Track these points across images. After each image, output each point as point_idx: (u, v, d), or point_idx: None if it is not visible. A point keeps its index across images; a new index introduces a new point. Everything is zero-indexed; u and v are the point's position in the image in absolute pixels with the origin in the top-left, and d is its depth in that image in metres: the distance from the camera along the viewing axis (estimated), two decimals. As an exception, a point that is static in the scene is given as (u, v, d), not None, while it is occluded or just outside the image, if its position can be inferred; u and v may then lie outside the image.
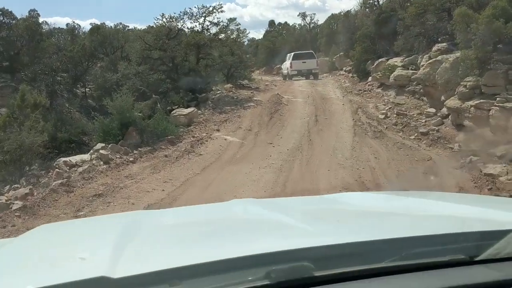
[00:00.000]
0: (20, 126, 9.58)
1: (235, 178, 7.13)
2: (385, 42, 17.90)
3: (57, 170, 7.87)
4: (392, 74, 14.44)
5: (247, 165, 8.01)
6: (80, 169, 8.04)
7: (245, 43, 27.08)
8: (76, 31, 25.43)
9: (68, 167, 8.23)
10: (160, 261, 0.97)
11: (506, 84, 9.17)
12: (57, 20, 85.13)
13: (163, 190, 7.07)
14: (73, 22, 27.26)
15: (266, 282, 0.90)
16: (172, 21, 15.44)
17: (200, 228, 1.47)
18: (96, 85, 18.63)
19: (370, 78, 17.20)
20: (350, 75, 21.06)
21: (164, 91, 15.19)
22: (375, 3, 20.40)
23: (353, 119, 11.65)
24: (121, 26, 26.38)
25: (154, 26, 16.02)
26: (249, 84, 18.76)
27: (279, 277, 0.91)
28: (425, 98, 13.22)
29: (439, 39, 14.07)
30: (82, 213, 6.11)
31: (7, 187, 7.85)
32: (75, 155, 11.40)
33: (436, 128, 10.70)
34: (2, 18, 19.58)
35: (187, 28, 16.27)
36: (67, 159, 8.65)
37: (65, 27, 26.05)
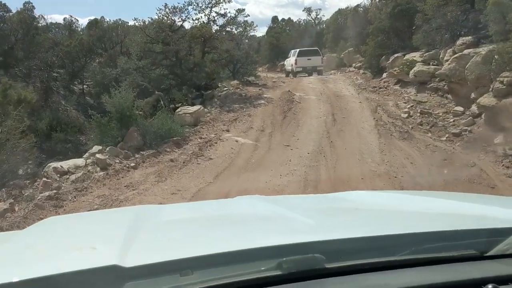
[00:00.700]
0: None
1: (254, 188, 6.06)
2: (401, 36, 16.96)
3: (45, 179, 6.64)
4: (412, 70, 13.49)
5: (265, 172, 6.99)
6: (73, 177, 6.89)
7: (248, 38, 25.96)
8: (74, 26, 24.46)
9: (58, 175, 7.03)
10: (170, 251, 0.98)
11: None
12: (55, 17, 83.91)
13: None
14: (71, 16, 26.06)
15: (278, 272, 0.89)
16: (176, 11, 14.33)
17: (209, 221, 1.47)
18: (94, 82, 17.59)
19: (385, 75, 16.31)
20: (361, 71, 20.11)
21: (167, 87, 14.16)
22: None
23: (374, 118, 10.70)
24: (120, 22, 25.26)
25: (157, 17, 14.94)
26: (256, 81, 17.74)
27: (290, 267, 0.89)
28: (449, 96, 12.35)
29: (463, 32, 13.11)
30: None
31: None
32: (72, 157, 10.35)
33: (468, 129, 9.79)
34: (-6, 10, 18.55)
35: (192, 19, 15.26)
36: (57, 164, 7.34)
37: (62, 22, 24.97)
